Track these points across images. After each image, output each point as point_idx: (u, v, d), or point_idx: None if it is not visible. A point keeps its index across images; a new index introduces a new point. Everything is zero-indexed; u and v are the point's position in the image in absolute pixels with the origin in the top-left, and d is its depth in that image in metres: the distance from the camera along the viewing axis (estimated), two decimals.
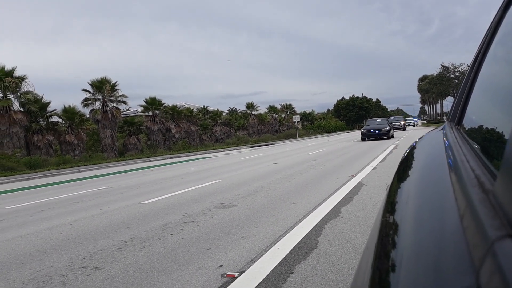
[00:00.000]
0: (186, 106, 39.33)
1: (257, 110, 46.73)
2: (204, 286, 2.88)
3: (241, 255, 3.54)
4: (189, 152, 27.43)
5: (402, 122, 42.21)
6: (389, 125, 24.27)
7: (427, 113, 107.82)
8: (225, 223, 4.85)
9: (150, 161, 21.69)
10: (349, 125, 65.12)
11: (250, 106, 45.85)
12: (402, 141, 20.17)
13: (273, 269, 3.07)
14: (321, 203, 5.59)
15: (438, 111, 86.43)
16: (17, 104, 22.01)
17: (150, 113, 31.05)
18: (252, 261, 3.33)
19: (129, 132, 29.38)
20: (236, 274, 3.06)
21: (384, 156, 12.56)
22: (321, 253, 3.38)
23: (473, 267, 0.33)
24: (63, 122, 24.99)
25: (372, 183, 7.12)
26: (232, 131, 42.06)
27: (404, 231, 0.60)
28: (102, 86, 25.74)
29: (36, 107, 22.29)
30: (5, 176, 16.41)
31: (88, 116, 26.27)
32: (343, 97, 72.08)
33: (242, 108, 51.12)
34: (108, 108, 26.16)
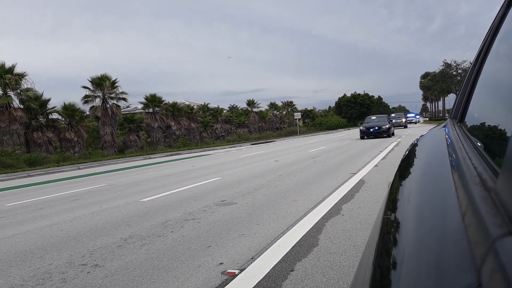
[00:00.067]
0: (187, 103, 39.33)
1: (258, 107, 46.74)
2: (204, 284, 2.88)
3: (242, 252, 3.55)
4: (190, 149, 27.44)
5: (403, 120, 41.63)
6: (389, 123, 23.59)
7: (429, 110, 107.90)
8: (226, 220, 4.85)
9: (150, 158, 21.72)
10: (351, 122, 65.08)
11: (251, 103, 45.84)
12: (403, 138, 20.18)
13: (273, 267, 3.07)
14: (322, 201, 5.59)
15: (440, 108, 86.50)
16: (17, 101, 22.02)
17: (150, 110, 31.03)
18: (253, 259, 3.33)
19: (129, 129, 29.38)
20: (237, 271, 3.06)
21: (385, 153, 12.56)
22: (322, 251, 3.39)
23: (474, 265, 0.33)
24: (63, 119, 25.00)
25: (374, 180, 7.12)
26: (232, 128, 42.05)
27: (406, 229, 0.60)
28: (102, 83, 25.72)
29: (36, 104, 22.28)
30: (5, 173, 16.44)
31: (88, 113, 26.27)
32: (344, 94, 72.00)
33: (243, 105, 51.20)
34: (108, 105, 26.15)
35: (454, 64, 68.25)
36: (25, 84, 22.25)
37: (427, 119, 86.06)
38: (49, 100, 23.90)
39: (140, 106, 32.47)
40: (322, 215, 4.69)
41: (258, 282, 2.80)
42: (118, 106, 27.08)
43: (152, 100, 30.87)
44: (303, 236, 3.89)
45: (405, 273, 0.45)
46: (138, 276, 3.15)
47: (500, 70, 0.95)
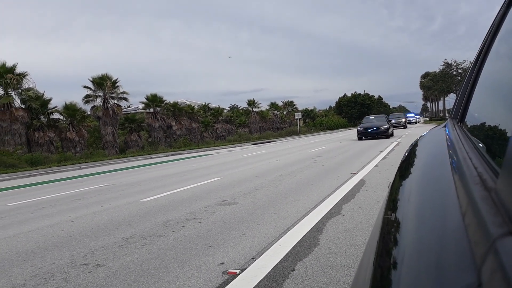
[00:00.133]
0: (188, 103, 39.33)
1: (258, 107, 46.74)
2: (205, 283, 2.88)
3: (243, 252, 3.55)
4: (190, 149, 27.44)
5: (403, 120, 40.86)
6: (388, 123, 22.79)
7: (430, 110, 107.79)
8: (227, 220, 4.85)
9: (151, 158, 21.72)
10: (351, 122, 65.01)
11: (251, 103, 45.84)
12: (404, 139, 20.16)
13: (274, 267, 3.08)
14: (322, 201, 5.59)
15: (441, 108, 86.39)
16: (18, 101, 22.03)
17: (151, 110, 31.04)
18: (254, 259, 3.34)
19: (130, 129, 29.39)
20: (238, 271, 3.07)
21: (386, 153, 12.55)
22: (322, 251, 3.39)
23: (474, 264, 0.33)
24: (64, 119, 25.02)
25: (374, 180, 7.12)
26: (233, 128, 42.04)
27: (406, 229, 0.60)
28: (103, 83, 25.73)
29: (37, 104, 22.30)
30: (6, 173, 16.45)
31: (89, 113, 26.30)
32: (345, 94, 71.96)
33: (243, 105, 51.14)
34: (109, 105, 26.16)
35: (455, 64, 68.14)
36: (26, 84, 22.31)
37: (427, 119, 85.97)
38: (50, 99, 23.95)
39: (141, 106, 32.49)
40: (323, 215, 4.69)
41: (259, 282, 2.80)
42: (119, 106, 27.10)
43: (153, 100, 30.88)
44: (304, 236, 3.89)
45: (406, 273, 0.45)
46: (139, 275, 3.15)
47: (500, 70, 0.95)
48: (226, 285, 2.81)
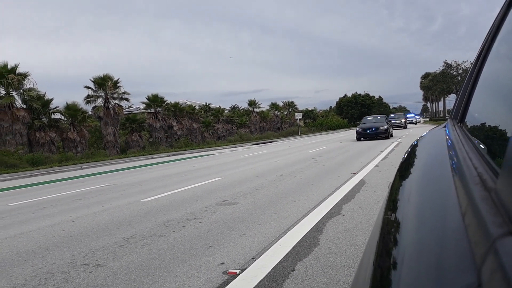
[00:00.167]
0: (188, 103, 39.34)
1: (259, 108, 46.74)
2: (206, 283, 2.88)
3: (243, 252, 3.55)
4: (191, 149, 27.45)
5: (403, 120, 40.35)
6: (387, 123, 22.26)
7: (430, 110, 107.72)
8: (227, 220, 4.85)
9: (152, 158, 21.74)
10: (352, 123, 64.96)
11: (252, 103, 45.85)
12: (404, 139, 20.15)
13: (274, 267, 3.08)
14: (322, 201, 5.59)
15: (441, 108, 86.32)
16: (20, 101, 22.07)
17: (152, 110, 31.06)
18: (254, 259, 3.34)
19: (131, 129, 29.42)
20: (238, 271, 3.07)
21: (386, 154, 12.55)
22: (322, 251, 3.39)
23: (474, 264, 0.33)
24: (66, 119, 25.05)
25: (374, 180, 7.11)
26: (234, 128, 42.04)
27: (406, 229, 0.60)
28: (104, 83, 25.75)
29: (38, 104, 22.33)
30: (7, 173, 16.47)
31: (90, 113, 26.32)
32: (345, 95, 71.95)
33: (244, 105, 51.18)
34: (110, 105, 26.18)
35: (455, 65, 68.06)
36: (27, 84, 22.33)
37: (428, 119, 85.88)
38: (51, 100, 23.98)
39: (142, 106, 32.52)
40: (323, 215, 4.69)
41: (259, 282, 2.80)
42: (120, 106, 27.13)
43: (154, 100, 30.90)
44: (304, 236, 3.89)
45: (406, 273, 0.45)
46: (140, 275, 3.15)
47: (500, 70, 0.95)
48: (226, 285, 2.81)
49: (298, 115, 46.27)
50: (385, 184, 6.61)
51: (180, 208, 5.91)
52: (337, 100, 72.57)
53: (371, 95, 73.16)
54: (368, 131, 21.39)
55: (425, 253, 0.45)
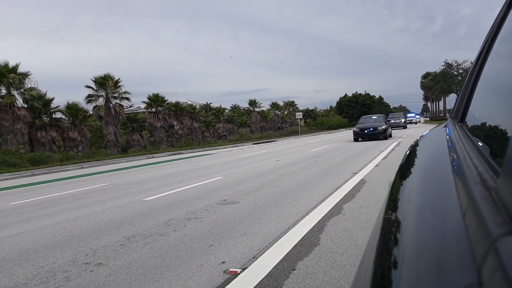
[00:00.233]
0: (189, 102, 39.33)
1: (259, 107, 46.71)
2: (207, 283, 2.89)
3: (244, 251, 3.55)
4: (192, 148, 27.45)
5: (403, 120, 39.53)
6: (386, 123, 21.46)
7: (430, 110, 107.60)
8: (228, 219, 4.86)
9: (153, 157, 21.74)
10: (352, 122, 64.91)
11: (252, 103, 45.82)
12: (404, 138, 20.13)
13: (275, 266, 3.08)
14: (323, 200, 5.59)
15: (441, 108, 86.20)
16: (21, 101, 22.06)
17: (153, 109, 31.06)
18: (255, 258, 3.34)
19: (132, 129, 29.42)
20: (239, 270, 3.07)
21: (386, 153, 12.54)
22: (323, 250, 3.39)
23: (475, 264, 0.33)
24: (67, 118, 25.06)
25: (375, 180, 7.11)
26: (234, 128, 42.03)
27: (406, 228, 0.60)
28: (105, 83, 25.76)
29: (39, 103, 22.33)
30: (9, 172, 16.49)
31: (91, 112, 26.32)
32: (345, 94, 71.92)
33: (244, 105, 51.09)
34: (111, 105, 26.19)
35: (455, 64, 67.93)
36: (28, 84, 22.32)
37: (428, 119, 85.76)
38: (52, 99, 23.99)
39: (143, 105, 32.51)
40: (324, 215, 4.69)
41: (260, 281, 2.81)
42: (121, 105, 27.13)
43: (155, 100, 30.90)
44: (305, 235, 3.89)
45: (406, 273, 0.45)
46: (141, 274, 3.15)
47: (501, 70, 0.95)
48: (227, 284, 2.81)
49: (299, 115, 46.23)
50: (385, 183, 6.60)
51: (181, 207, 5.91)
52: (338, 99, 72.56)
53: (371, 94, 73.11)
54: (365, 131, 20.70)
55: (425, 252, 0.45)
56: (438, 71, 71.89)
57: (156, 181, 9.69)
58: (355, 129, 21.56)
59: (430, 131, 1.86)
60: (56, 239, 4.57)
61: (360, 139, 20.90)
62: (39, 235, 4.87)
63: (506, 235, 0.33)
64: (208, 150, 25.19)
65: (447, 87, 68.08)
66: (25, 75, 21.93)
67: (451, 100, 77.49)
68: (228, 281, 2.86)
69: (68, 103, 24.62)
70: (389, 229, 0.69)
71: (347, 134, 34.11)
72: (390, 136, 22.29)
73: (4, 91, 21.38)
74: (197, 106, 38.42)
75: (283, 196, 6.18)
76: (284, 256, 3.29)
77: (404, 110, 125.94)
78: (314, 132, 47.68)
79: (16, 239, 4.76)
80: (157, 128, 30.65)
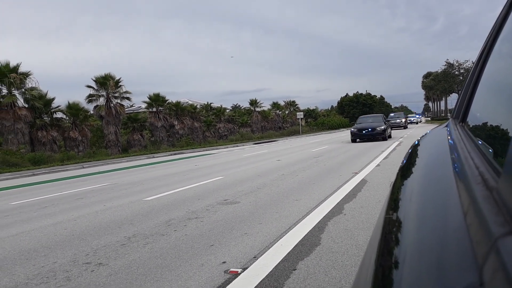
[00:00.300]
0: (190, 102, 39.33)
1: (260, 107, 46.69)
2: (207, 282, 2.89)
3: (244, 251, 3.55)
4: (193, 148, 27.46)
5: (403, 120, 38.69)
6: (385, 124, 20.54)
7: (431, 110, 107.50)
8: (228, 219, 4.86)
9: (153, 157, 21.75)
10: (353, 122, 64.89)
11: (253, 102, 45.82)
12: (405, 138, 20.11)
13: (276, 266, 3.08)
14: (324, 200, 5.59)
15: (442, 108, 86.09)
16: (22, 100, 22.08)
17: (154, 109, 31.08)
18: (255, 258, 3.34)
19: (132, 129, 29.44)
20: (239, 270, 3.07)
21: (387, 153, 12.53)
22: (324, 250, 3.39)
23: (476, 264, 0.33)
24: (67, 118, 25.08)
25: (376, 180, 7.11)
26: (235, 127, 42.03)
27: (408, 228, 0.60)
28: (106, 82, 25.77)
29: (40, 103, 22.35)
30: (9, 172, 16.51)
31: (92, 112, 26.33)
32: (347, 94, 71.93)
33: (245, 104, 51.10)
34: (112, 104, 26.20)
35: (457, 64, 67.78)
36: (29, 83, 22.33)
37: (429, 118, 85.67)
38: (53, 99, 24.00)
39: (143, 105, 32.54)
40: (325, 215, 4.69)
41: (261, 281, 2.81)
42: (122, 105, 27.14)
43: (156, 100, 30.92)
44: (306, 235, 3.89)
45: (407, 273, 0.45)
46: (141, 274, 3.16)
47: (502, 69, 0.94)
48: (228, 284, 2.81)
49: (300, 115, 46.21)
50: (386, 183, 6.60)
51: (182, 207, 5.91)
52: (339, 99, 72.56)
53: (372, 94, 73.13)
54: (363, 131, 19.85)
55: (426, 252, 0.45)
56: (439, 71, 71.78)
57: (156, 181, 9.70)
58: (352, 129, 20.85)
59: (431, 131, 1.86)
60: (56, 239, 4.58)
61: (358, 140, 20.24)
62: (39, 235, 4.87)
63: (507, 235, 0.33)
64: (209, 150, 25.19)
65: (449, 87, 67.97)
66: (26, 75, 21.95)
67: (453, 100, 77.38)
68: (228, 281, 2.86)
69: (68, 103, 24.67)
70: (390, 229, 0.69)
71: (348, 134, 33.98)
72: (390, 136, 21.68)
73: (5, 91, 21.41)
74: (198, 106, 38.42)
75: (284, 196, 6.18)
76: (285, 256, 3.29)
77: (405, 110, 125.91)
78: (315, 132, 47.67)
79: (17, 238, 4.76)
80: (157, 128, 30.67)
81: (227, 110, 45.20)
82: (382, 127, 19.78)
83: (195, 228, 4.56)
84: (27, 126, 21.80)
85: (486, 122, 0.92)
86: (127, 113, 29.57)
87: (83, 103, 25.49)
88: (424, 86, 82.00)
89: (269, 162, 12.46)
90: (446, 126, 1.64)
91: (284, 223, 4.49)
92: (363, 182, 6.98)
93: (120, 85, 26.74)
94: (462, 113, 1.44)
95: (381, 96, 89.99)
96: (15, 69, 21.51)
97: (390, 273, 0.51)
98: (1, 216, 6.38)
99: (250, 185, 7.59)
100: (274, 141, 32.72)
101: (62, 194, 8.58)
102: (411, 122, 54.56)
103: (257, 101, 45.88)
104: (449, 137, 1.24)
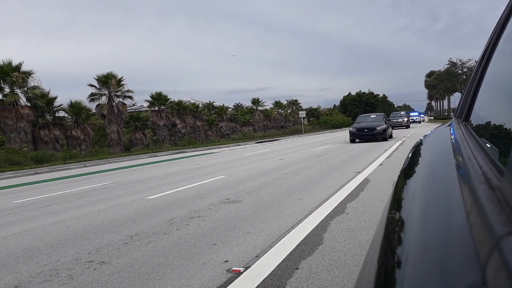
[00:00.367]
0: (192, 101, 39.37)
1: (262, 106, 46.69)
2: (210, 281, 2.89)
3: (247, 250, 3.55)
4: (195, 147, 27.49)
5: (405, 119, 37.68)
6: (385, 123, 19.54)
7: (434, 109, 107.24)
8: (231, 218, 4.86)
9: (156, 156, 21.77)
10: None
11: (255, 101, 45.80)
12: (408, 138, 20.06)
13: (278, 265, 3.08)
14: (326, 199, 5.59)
15: (445, 107, 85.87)
16: (24, 99, 22.18)
17: (156, 108, 31.11)
18: (258, 257, 3.34)
19: (135, 127, 29.50)
20: (242, 269, 3.07)
21: (390, 152, 12.51)
22: (326, 249, 3.39)
23: (479, 263, 0.33)
24: (70, 117, 25.15)
25: (378, 179, 7.10)
26: (237, 126, 42.05)
27: (410, 228, 0.60)
28: (108, 81, 25.82)
29: (42, 102, 22.43)
30: (12, 170, 16.57)
31: (94, 111, 26.41)
32: (349, 93, 71.90)
33: (247, 103, 51.18)
34: (114, 103, 26.25)
35: (460, 63, 67.56)
36: (32, 82, 22.43)
37: (432, 118, 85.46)
38: (55, 98, 24.08)
39: (145, 104, 32.59)
40: (327, 214, 4.69)
41: (263, 280, 2.81)
42: (124, 104, 27.19)
43: (158, 99, 30.95)
44: (308, 234, 3.89)
45: (410, 272, 0.45)
46: (144, 273, 3.16)
47: (505, 68, 0.94)
48: (230, 283, 2.82)
49: (302, 114, 46.18)
50: (389, 183, 6.59)
51: (184, 206, 5.92)
52: (341, 98, 72.60)
53: (375, 93, 73.06)
54: (363, 131, 18.92)
55: (429, 251, 0.45)
56: (442, 69, 71.56)
57: (159, 180, 9.71)
58: (351, 129, 19.90)
59: (434, 130, 1.86)
60: (59, 237, 4.59)
61: (357, 140, 19.34)
62: (42, 233, 4.89)
63: (510, 234, 0.33)
64: (211, 149, 25.21)
65: (452, 86, 67.76)
66: (28, 73, 22.02)
67: (456, 99, 77.17)
68: (231, 280, 2.87)
69: (71, 101, 24.75)
70: (393, 228, 0.69)
71: None
72: (391, 137, 20.79)
73: (7, 90, 21.48)
74: (200, 105, 38.45)
75: (287, 195, 6.18)
76: (288, 255, 3.29)
77: (408, 109, 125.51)
78: (318, 131, 47.64)
79: (19, 237, 4.78)
80: (160, 126, 30.70)
81: (229, 109, 45.20)
82: (383, 126, 18.87)
83: (198, 227, 4.57)
84: (30, 124, 21.87)
85: (490, 121, 0.91)
86: (129, 112, 29.62)
87: (85, 102, 25.61)
88: (427, 85, 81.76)
89: (271, 161, 12.46)
90: (449, 125, 1.64)
91: (286, 222, 4.49)
92: (365, 181, 6.97)
93: (122, 84, 26.80)
94: (465, 112, 1.44)
95: (383, 95, 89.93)
96: (18, 68, 21.58)
97: (392, 272, 0.51)
98: (4, 215, 6.40)
99: (252, 184, 7.60)
100: (276, 140, 32.71)
101: (64, 193, 8.60)
102: (414, 121, 54.16)
103: (259, 100, 45.89)
104: (452, 136, 1.23)
